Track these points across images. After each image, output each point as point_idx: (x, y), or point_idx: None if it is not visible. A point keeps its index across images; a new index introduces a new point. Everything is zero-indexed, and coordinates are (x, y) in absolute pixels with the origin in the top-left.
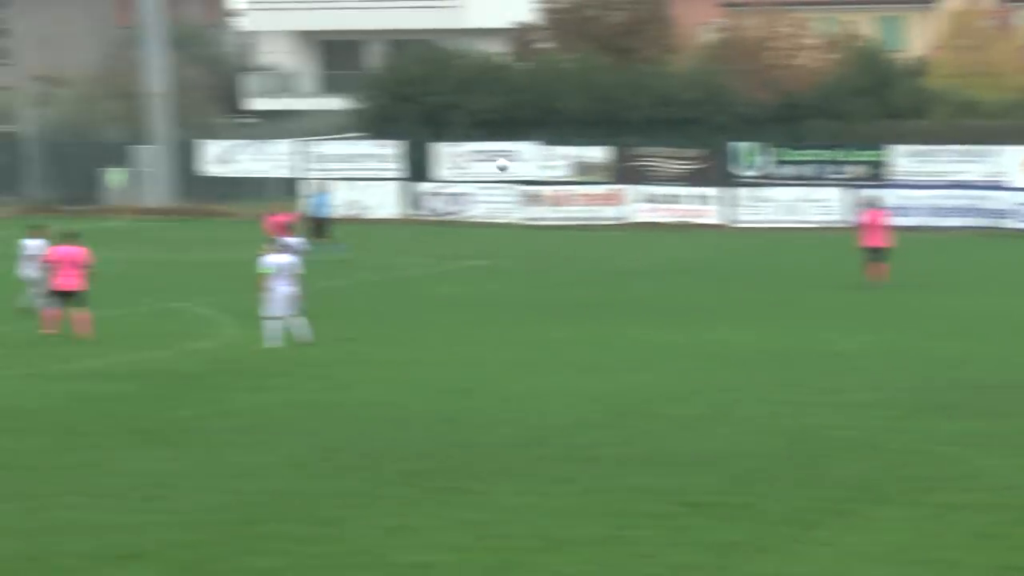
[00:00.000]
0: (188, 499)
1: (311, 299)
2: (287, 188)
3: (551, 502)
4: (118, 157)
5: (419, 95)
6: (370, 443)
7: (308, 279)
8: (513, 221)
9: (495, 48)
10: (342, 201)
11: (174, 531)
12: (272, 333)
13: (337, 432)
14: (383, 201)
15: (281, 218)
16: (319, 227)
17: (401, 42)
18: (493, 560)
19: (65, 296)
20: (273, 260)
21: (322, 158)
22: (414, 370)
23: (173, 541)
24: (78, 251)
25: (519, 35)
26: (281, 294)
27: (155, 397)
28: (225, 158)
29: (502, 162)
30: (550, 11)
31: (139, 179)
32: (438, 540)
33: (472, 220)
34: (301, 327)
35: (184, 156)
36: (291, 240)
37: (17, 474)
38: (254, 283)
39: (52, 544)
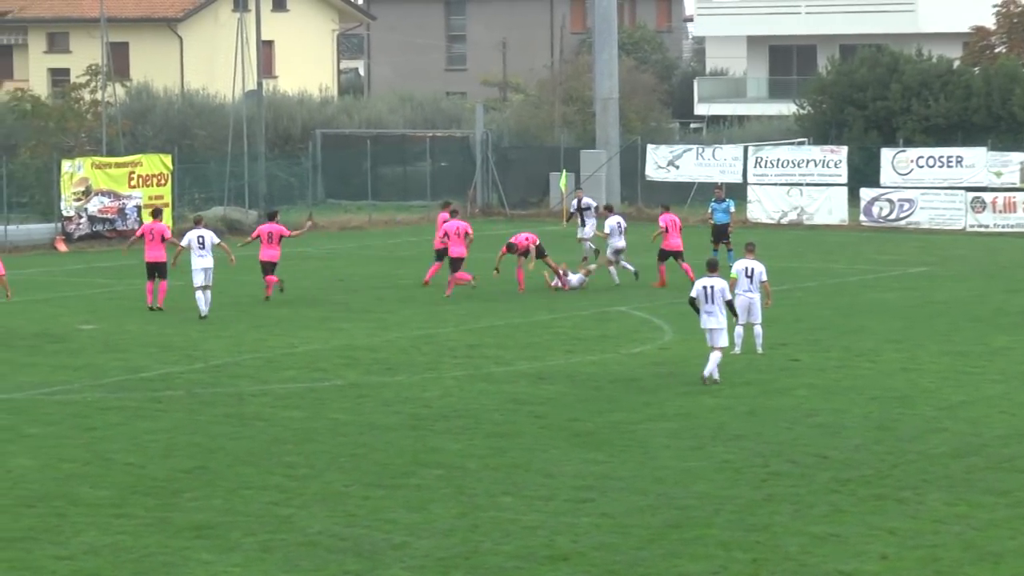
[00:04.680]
0: (618, 502)
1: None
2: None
3: (982, 513)
4: (566, 162)
5: (867, 100)
6: (802, 449)
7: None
8: (958, 228)
9: (946, 52)
10: (786, 207)
11: (603, 534)
12: (735, 339)
13: (769, 437)
14: (827, 207)
15: None
16: (720, 234)
17: (848, 47)
18: (919, 571)
19: None
20: (740, 265)
21: (767, 163)
22: (847, 376)
23: (601, 544)
24: None
25: (973, 39)
26: (744, 301)
27: (590, 400)
28: (670, 163)
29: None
30: (1004, 15)
31: (586, 183)
32: (865, 549)
33: (916, 226)
34: (758, 336)
35: (630, 160)
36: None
37: (453, 474)
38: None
39: (483, 543)
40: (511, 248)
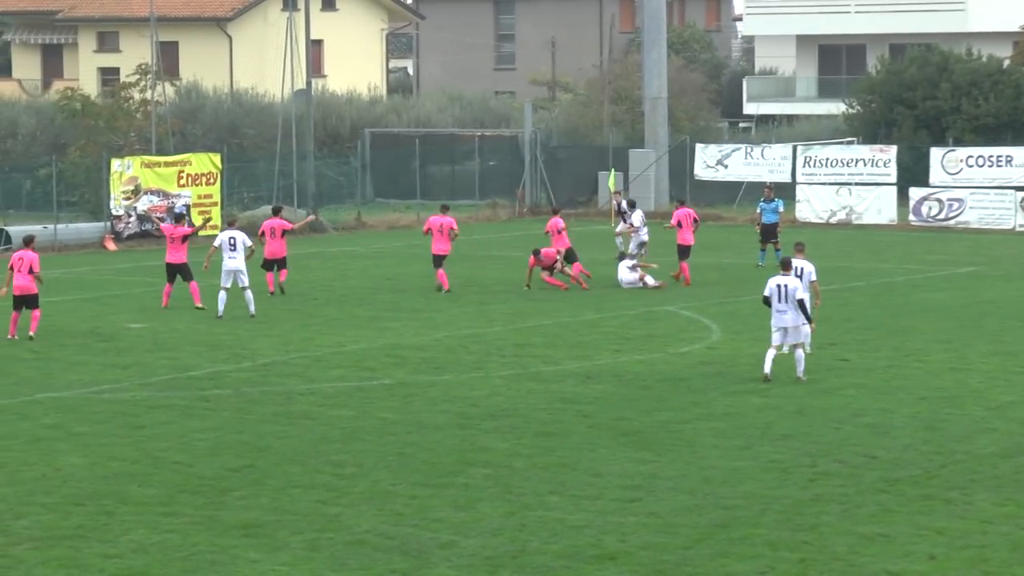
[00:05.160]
0: (665, 501)
1: None
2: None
3: None
4: (614, 161)
5: (916, 99)
6: (850, 449)
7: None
8: (1008, 227)
9: (996, 52)
10: (835, 207)
11: (650, 533)
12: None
13: (817, 437)
14: (876, 206)
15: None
16: (768, 233)
17: (898, 46)
18: (967, 571)
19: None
20: (773, 282)
21: (816, 163)
22: (896, 376)
23: (649, 543)
24: None
25: (1023, 38)
26: (773, 323)
27: (637, 399)
28: (719, 162)
29: None
30: None
31: (633, 183)
32: (912, 549)
33: (965, 226)
34: (799, 360)
35: (679, 159)
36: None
37: (500, 473)
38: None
39: (530, 542)
40: (538, 259)
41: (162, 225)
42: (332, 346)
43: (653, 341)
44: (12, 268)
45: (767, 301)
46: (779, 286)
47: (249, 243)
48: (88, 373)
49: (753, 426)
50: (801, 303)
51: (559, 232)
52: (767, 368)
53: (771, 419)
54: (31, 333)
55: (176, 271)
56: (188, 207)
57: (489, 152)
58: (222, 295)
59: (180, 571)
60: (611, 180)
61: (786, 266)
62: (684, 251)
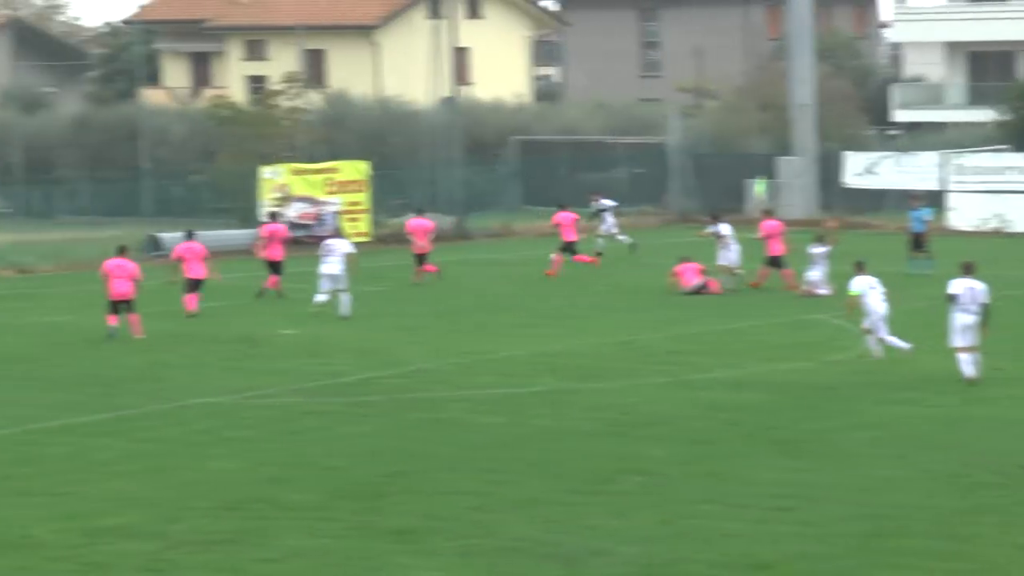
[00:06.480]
0: (818, 511)
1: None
2: (933, 201)
3: None
4: (761, 168)
5: None
6: (1007, 460)
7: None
8: None
9: None
10: (986, 215)
11: (804, 543)
12: (963, 365)
13: (972, 447)
14: None
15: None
16: (917, 242)
17: None
18: None
19: None
20: (959, 285)
21: (966, 171)
22: None
23: (803, 553)
24: None
25: None
26: (961, 323)
27: (789, 408)
28: (867, 170)
29: None
30: None
31: (781, 190)
32: None
33: None
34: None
35: (827, 167)
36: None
37: (654, 480)
38: (890, 297)
39: (684, 551)
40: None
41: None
42: (483, 353)
43: (804, 349)
44: (110, 274)
45: (952, 299)
46: (971, 288)
47: (350, 250)
48: (241, 379)
49: (906, 435)
50: (985, 307)
51: (771, 237)
52: (969, 371)
53: (925, 429)
54: (138, 336)
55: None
56: (337, 214)
57: (635, 160)
58: (322, 298)
59: None
60: (759, 188)
61: (968, 270)
62: (775, 261)
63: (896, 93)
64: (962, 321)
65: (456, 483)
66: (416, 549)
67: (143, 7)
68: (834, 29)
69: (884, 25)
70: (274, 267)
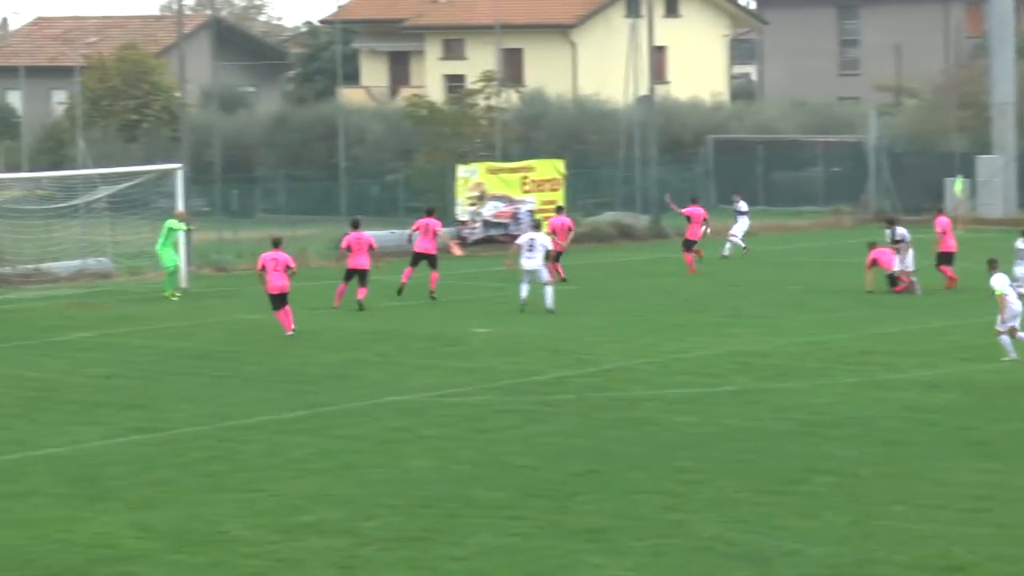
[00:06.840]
0: (1015, 512)
1: None
2: None
3: None
4: (960, 167)
5: None
6: None
7: None
8: None
9: None
10: None
11: (999, 544)
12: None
13: None
14: None
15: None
16: None
17: None
18: None
19: None
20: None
21: None
22: None
23: (998, 555)
24: None
25: None
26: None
27: (984, 408)
28: None
29: None
30: None
31: (980, 189)
32: None
33: None
34: None
35: None
36: None
37: (845, 481)
38: None
39: (876, 552)
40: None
41: (347, 238)
42: (676, 352)
43: (1000, 350)
44: (266, 268)
45: None
46: None
47: (548, 247)
48: (434, 377)
49: None
50: None
51: (944, 233)
52: None
53: None
54: (288, 332)
55: (357, 274)
56: (532, 213)
57: (832, 158)
58: (525, 288)
59: (525, 574)
60: (958, 187)
61: None
62: (946, 257)
63: None
64: None
65: (648, 482)
66: (607, 548)
67: (342, 7)
68: None
69: None
70: (355, 275)
